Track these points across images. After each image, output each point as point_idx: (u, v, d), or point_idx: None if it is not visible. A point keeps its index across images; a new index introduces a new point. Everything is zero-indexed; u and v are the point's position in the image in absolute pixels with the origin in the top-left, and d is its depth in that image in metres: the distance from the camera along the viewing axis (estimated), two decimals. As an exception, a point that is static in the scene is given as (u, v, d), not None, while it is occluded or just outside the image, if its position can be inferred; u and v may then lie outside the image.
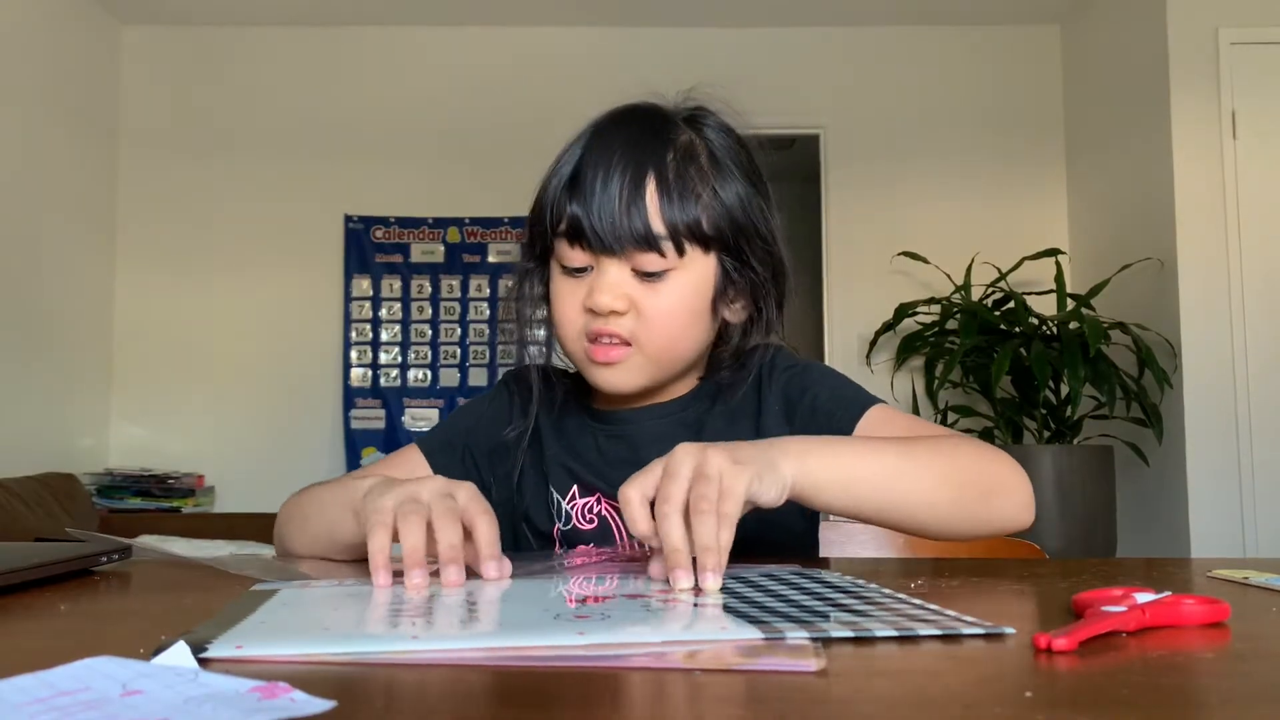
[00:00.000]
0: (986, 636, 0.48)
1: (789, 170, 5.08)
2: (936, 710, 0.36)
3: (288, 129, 4.28)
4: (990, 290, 3.83)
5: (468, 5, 4.16)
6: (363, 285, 4.22)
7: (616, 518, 0.93)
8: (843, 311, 4.25)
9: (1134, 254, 3.69)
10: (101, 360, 4.12)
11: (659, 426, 0.94)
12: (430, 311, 4.22)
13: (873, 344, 3.99)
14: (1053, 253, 3.82)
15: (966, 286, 3.82)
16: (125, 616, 0.59)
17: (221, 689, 0.36)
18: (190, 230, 4.23)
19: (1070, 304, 3.68)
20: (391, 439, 4.11)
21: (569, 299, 0.88)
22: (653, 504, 0.65)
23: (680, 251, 0.86)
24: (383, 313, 4.21)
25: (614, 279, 0.86)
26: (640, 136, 0.87)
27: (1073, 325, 3.44)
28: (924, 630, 0.48)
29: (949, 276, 3.96)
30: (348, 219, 4.23)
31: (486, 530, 0.66)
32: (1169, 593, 0.54)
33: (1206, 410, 3.44)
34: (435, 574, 0.63)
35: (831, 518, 0.88)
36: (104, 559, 0.73)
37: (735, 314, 0.93)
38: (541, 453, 0.98)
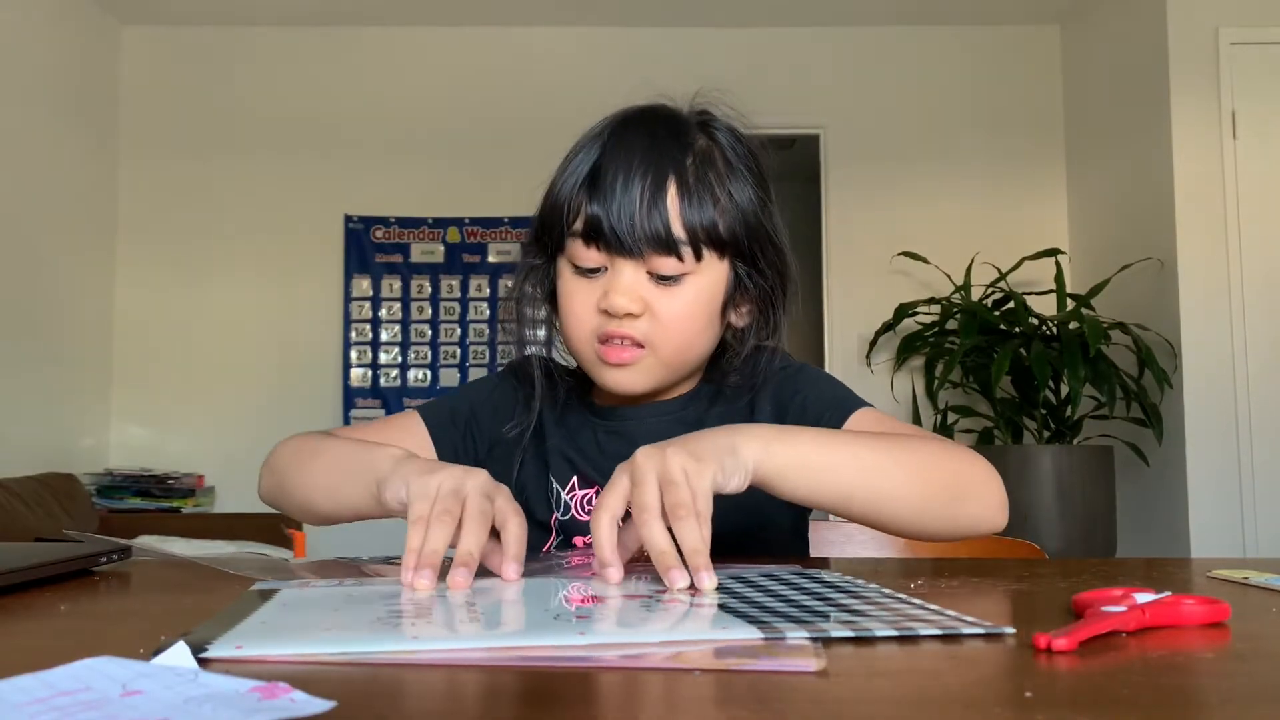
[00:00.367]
0: (986, 637, 0.48)
1: (789, 170, 5.09)
2: (936, 710, 0.36)
3: (288, 129, 4.28)
4: (990, 290, 3.83)
5: (468, 5, 4.16)
6: (363, 285, 4.22)
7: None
8: (843, 311, 4.25)
9: (1134, 254, 3.69)
10: (101, 360, 4.12)
11: (659, 424, 0.94)
12: (430, 311, 4.23)
13: (873, 344, 3.99)
14: (1053, 253, 3.82)
15: (966, 286, 3.82)
16: (125, 616, 0.59)
17: (221, 689, 0.36)
18: (190, 230, 4.23)
19: (1070, 304, 3.68)
20: (391, 439, 4.10)
21: (581, 299, 0.88)
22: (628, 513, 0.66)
23: (698, 256, 0.86)
24: (383, 313, 4.22)
25: (630, 281, 0.86)
26: (660, 139, 0.87)
27: (1073, 325, 3.44)
28: (924, 630, 0.48)
29: (949, 276, 3.96)
30: (348, 219, 4.24)
31: (516, 530, 0.67)
32: (1169, 593, 0.54)
33: (1206, 410, 3.44)
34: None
35: (832, 518, 0.88)
36: (103, 559, 0.73)
37: (741, 318, 0.94)
38: (543, 442, 0.99)
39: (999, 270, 3.84)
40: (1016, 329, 3.53)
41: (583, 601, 0.57)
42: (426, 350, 4.22)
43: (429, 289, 4.23)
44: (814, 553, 1.09)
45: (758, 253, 0.90)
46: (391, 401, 4.17)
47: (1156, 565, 0.82)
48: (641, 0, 4.13)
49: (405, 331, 4.22)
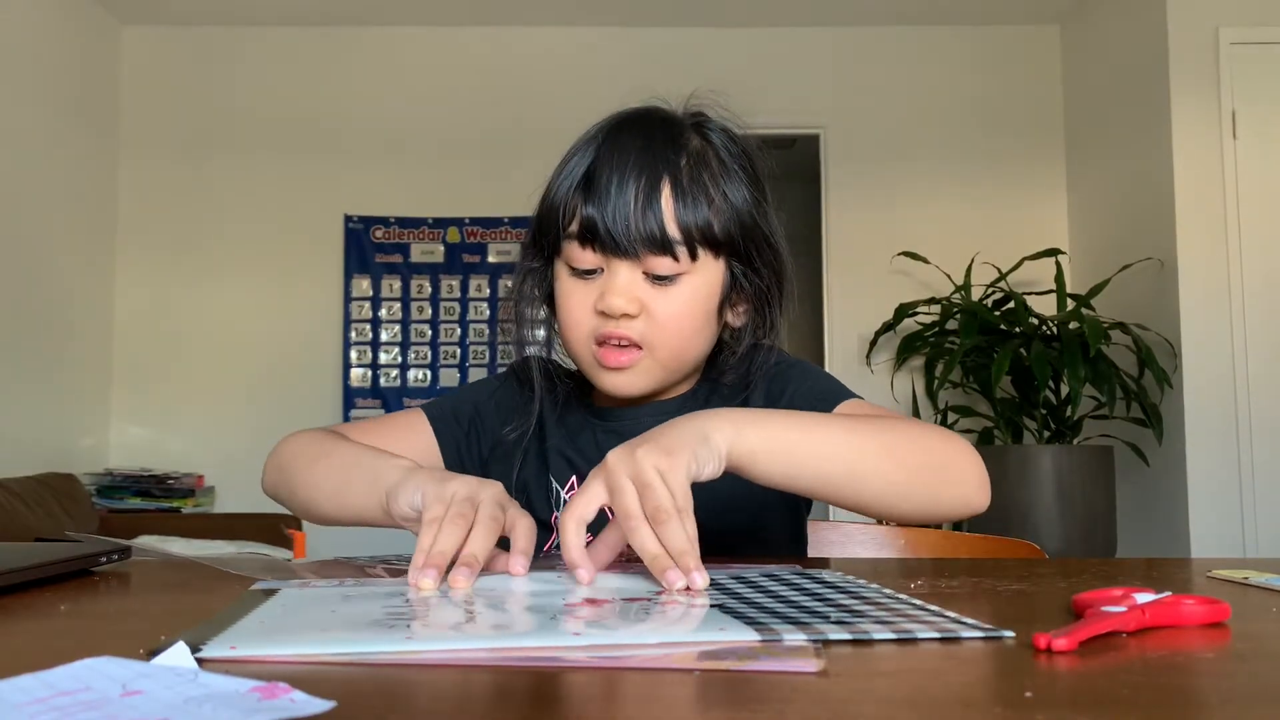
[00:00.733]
0: (985, 639, 0.48)
1: (789, 170, 5.08)
2: (936, 710, 0.36)
3: (288, 129, 4.28)
4: (990, 290, 3.83)
5: (468, 5, 4.16)
6: (363, 285, 4.22)
7: (612, 514, 0.93)
8: (843, 311, 4.25)
9: (1134, 254, 3.69)
10: (101, 360, 4.12)
11: (657, 425, 0.94)
12: (430, 311, 4.23)
13: (873, 344, 4.00)
14: (1053, 253, 3.82)
15: (966, 286, 3.82)
16: (125, 616, 0.59)
17: (221, 689, 0.36)
18: (190, 230, 4.23)
19: (1070, 304, 3.68)
20: (391, 439, 4.10)
21: (578, 301, 0.89)
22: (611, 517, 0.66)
23: (693, 255, 0.86)
24: (383, 313, 4.22)
25: (626, 281, 0.86)
26: (655, 141, 0.87)
27: (1073, 325, 3.44)
28: (923, 633, 0.48)
29: (949, 276, 3.96)
30: (348, 219, 4.24)
31: (525, 529, 0.68)
32: (1169, 593, 0.54)
33: (1206, 410, 3.44)
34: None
35: (832, 516, 0.88)
36: (103, 559, 0.73)
37: (738, 317, 0.94)
38: (543, 442, 1.00)
39: (999, 270, 3.84)
40: (1016, 329, 3.53)
41: (582, 603, 0.57)
42: (426, 350, 4.22)
43: (429, 289, 4.23)
44: (813, 553, 1.09)
45: (753, 252, 0.90)
46: (391, 401, 4.17)
47: (1156, 565, 0.82)
48: (641, 0, 4.13)
49: (405, 331, 4.22)
